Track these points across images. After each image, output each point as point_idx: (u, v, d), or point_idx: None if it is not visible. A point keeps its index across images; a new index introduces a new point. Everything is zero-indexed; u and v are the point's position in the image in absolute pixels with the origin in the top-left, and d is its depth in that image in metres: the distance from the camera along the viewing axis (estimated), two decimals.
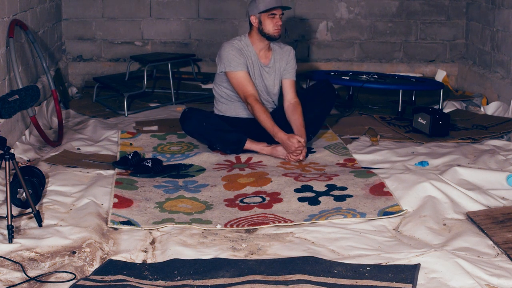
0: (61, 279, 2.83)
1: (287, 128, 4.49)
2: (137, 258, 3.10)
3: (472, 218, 3.48)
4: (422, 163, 4.31)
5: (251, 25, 4.53)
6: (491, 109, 5.57)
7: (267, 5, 4.43)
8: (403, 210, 3.59)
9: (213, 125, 4.50)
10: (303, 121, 4.50)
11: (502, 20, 5.71)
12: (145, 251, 3.18)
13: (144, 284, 2.80)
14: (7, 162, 3.16)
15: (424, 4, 6.64)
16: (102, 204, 3.65)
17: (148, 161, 4.17)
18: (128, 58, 6.52)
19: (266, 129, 4.44)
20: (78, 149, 4.63)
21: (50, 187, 3.83)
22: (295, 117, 4.52)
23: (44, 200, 3.66)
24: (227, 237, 3.32)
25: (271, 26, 4.46)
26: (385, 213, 3.55)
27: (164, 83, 6.39)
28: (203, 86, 6.43)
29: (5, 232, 3.21)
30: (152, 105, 5.97)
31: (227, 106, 4.67)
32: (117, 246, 3.20)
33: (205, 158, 4.43)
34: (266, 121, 4.43)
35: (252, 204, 3.72)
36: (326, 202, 3.71)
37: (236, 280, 2.81)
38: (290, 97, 4.62)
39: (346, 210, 3.60)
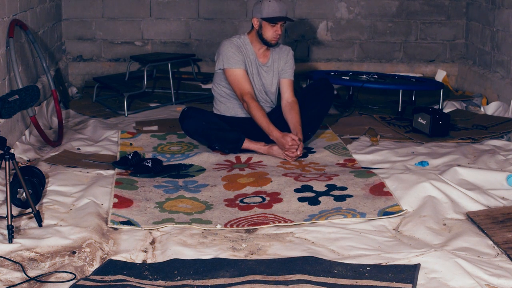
0: (61, 279, 2.83)
1: (285, 128, 4.49)
2: (137, 258, 3.10)
3: (472, 218, 3.48)
4: (422, 163, 4.31)
5: (252, 25, 4.55)
6: (491, 109, 5.57)
7: (271, 13, 4.43)
8: (403, 210, 3.59)
9: (212, 124, 4.50)
10: (299, 119, 4.51)
11: (502, 20, 5.71)
12: (145, 251, 3.18)
13: (144, 284, 2.80)
14: (7, 162, 3.16)
15: (424, 4, 6.64)
16: (102, 204, 3.65)
17: (148, 161, 4.17)
18: (128, 58, 6.52)
19: (261, 127, 4.44)
20: (78, 149, 4.63)
21: (50, 187, 3.83)
22: (291, 115, 4.53)
23: (44, 200, 3.66)
24: (227, 237, 3.32)
25: (270, 33, 4.48)
26: (385, 213, 3.55)
27: (164, 83, 6.38)
28: (203, 86, 6.43)
29: (5, 232, 3.21)
30: (152, 105, 5.97)
31: (226, 106, 4.67)
32: (117, 246, 3.20)
33: (205, 158, 4.43)
34: (262, 119, 4.43)
35: (252, 204, 3.72)
36: (326, 202, 3.71)
37: (236, 280, 2.81)
38: (287, 96, 4.63)
39: (346, 210, 3.60)
